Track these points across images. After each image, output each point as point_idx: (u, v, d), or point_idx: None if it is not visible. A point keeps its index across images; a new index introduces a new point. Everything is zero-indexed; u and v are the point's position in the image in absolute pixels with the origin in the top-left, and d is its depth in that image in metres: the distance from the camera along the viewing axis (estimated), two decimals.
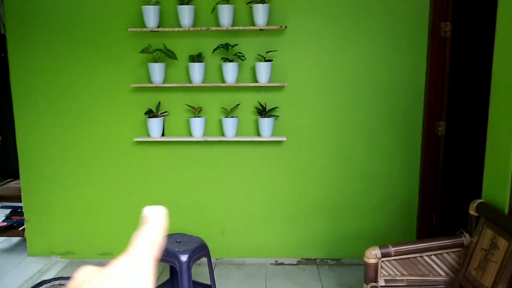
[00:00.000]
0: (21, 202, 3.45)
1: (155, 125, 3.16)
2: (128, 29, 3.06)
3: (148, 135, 3.22)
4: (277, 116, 3.19)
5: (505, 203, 2.05)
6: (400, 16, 3.09)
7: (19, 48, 3.24)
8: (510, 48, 2.10)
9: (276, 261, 3.38)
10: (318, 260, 3.38)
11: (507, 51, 2.13)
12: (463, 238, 2.18)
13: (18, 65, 3.26)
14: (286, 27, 3.04)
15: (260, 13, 2.97)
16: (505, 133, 2.13)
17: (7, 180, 4.78)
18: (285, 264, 3.36)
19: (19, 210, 3.56)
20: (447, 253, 2.21)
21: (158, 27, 3.07)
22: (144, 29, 3.03)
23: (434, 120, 3.21)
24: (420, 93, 3.18)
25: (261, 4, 2.95)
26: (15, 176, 3.74)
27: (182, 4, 3.00)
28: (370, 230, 3.32)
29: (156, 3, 3.03)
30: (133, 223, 3.38)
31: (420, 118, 3.21)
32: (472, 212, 2.20)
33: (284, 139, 3.16)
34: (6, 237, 3.62)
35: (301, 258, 3.39)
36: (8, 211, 3.71)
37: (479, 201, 2.21)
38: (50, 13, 3.18)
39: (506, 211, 2.05)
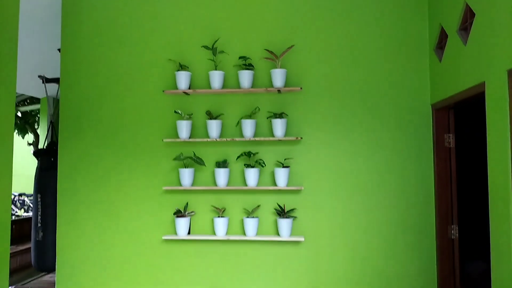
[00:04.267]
0: None
1: (182, 224, 3.41)
2: (164, 140, 3.49)
3: (176, 233, 3.46)
4: (295, 217, 3.40)
5: None
6: (406, 129, 3.40)
7: (68, 154, 3.70)
8: (499, 156, 2.34)
9: None
10: None
11: (497, 158, 2.37)
12: None
13: (65, 168, 3.70)
14: (301, 138, 3.39)
15: (279, 126, 3.36)
16: (505, 239, 2.27)
17: (42, 274, 5.00)
18: None
19: None
20: None
21: (190, 138, 3.49)
22: (177, 140, 3.45)
23: (446, 224, 3.33)
24: (431, 198, 3.35)
25: (279, 119, 3.35)
26: (49, 270, 3.96)
27: (211, 119, 3.44)
28: None
29: (188, 118, 3.49)
30: None
31: (433, 223, 3.34)
32: None
33: (302, 239, 3.32)
34: None
35: None
36: None
37: None
38: (96, 124, 3.68)
39: None
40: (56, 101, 4.90)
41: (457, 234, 3.33)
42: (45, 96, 4.79)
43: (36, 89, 6.33)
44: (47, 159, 4.17)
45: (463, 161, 3.41)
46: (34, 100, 8.27)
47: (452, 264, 3.32)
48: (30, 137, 9.02)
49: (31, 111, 8.68)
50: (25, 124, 8.71)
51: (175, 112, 3.47)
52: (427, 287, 3.31)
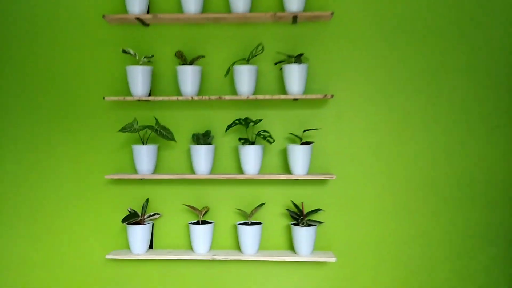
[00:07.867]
0: None
1: (139, 235, 2.38)
2: (106, 98, 2.33)
3: (128, 249, 2.47)
4: (321, 223, 2.41)
5: None
6: (495, 81, 2.36)
7: None
8: None
9: None
10: None
11: None
12: None
13: None
14: (332, 96, 2.28)
15: (295, 77, 2.28)
16: None
17: None
18: None
19: None
20: None
21: (149, 94, 2.42)
22: (129, 98, 2.35)
23: None
24: None
25: (296, 65, 2.27)
26: None
27: (183, 65, 2.34)
28: None
29: (147, 63, 2.37)
30: None
31: None
32: None
33: (332, 259, 2.29)
34: None
35: None
36: None
37: None
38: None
39: None
40: None
41: None
42: None
43: None
44: None
45: None
46: None
47: None
48: None
49: None
50: None
51: (124, 51, 2.33)
52: None
